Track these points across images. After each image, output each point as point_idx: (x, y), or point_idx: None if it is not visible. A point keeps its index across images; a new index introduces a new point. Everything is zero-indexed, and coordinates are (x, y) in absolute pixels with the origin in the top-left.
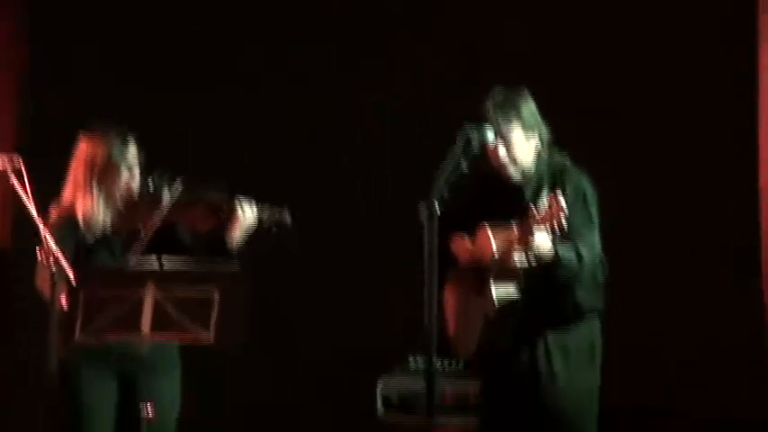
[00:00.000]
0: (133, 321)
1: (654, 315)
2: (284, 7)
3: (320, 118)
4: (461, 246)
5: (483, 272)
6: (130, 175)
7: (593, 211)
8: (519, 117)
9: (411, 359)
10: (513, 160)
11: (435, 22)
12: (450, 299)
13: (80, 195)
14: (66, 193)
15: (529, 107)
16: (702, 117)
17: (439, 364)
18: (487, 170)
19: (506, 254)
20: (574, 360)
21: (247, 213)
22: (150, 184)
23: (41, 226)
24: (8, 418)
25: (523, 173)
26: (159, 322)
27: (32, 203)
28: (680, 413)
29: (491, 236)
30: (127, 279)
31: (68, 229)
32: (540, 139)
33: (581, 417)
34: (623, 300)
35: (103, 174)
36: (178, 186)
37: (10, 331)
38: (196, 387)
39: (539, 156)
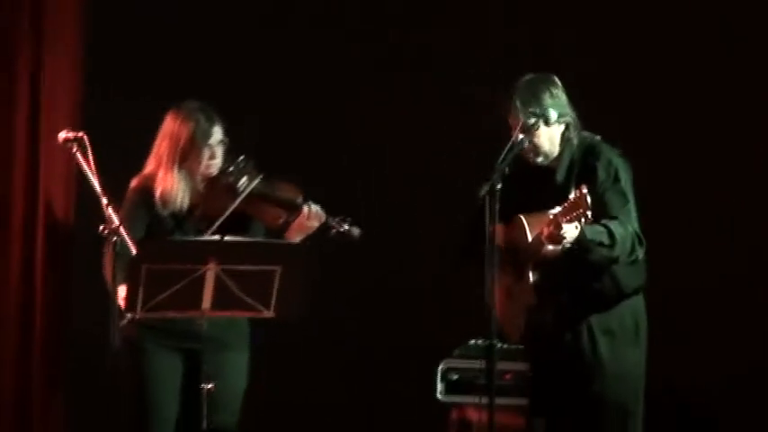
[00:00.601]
0: (194, 298)
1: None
2: None
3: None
4: (499, 232)
5: (521, 260)
6: (213, 156)
7: (627, 187)
8: (541, 106)
9: (472, 341)
10: (536, 148)
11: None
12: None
13: (161, 170)
14: (148, 167)
15: (553, 94)
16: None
17: (498, 345)
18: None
19: (540, 246)
20: (619, 341)
21: (313, 217)
22: (232, 169)
23: (105, 202)
24: (73, 395)
25: (548, 158)
26: (220, 299)
27: (97, 180)
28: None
29: (526, 226)
30: (189, 253)
31: (145, 200)
32: (567, 125)
33: (628, 397)
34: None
35: (186, 152)
36: (258, 177)
37: (71, 308)
38: (265, 364)
39: (567, 140)
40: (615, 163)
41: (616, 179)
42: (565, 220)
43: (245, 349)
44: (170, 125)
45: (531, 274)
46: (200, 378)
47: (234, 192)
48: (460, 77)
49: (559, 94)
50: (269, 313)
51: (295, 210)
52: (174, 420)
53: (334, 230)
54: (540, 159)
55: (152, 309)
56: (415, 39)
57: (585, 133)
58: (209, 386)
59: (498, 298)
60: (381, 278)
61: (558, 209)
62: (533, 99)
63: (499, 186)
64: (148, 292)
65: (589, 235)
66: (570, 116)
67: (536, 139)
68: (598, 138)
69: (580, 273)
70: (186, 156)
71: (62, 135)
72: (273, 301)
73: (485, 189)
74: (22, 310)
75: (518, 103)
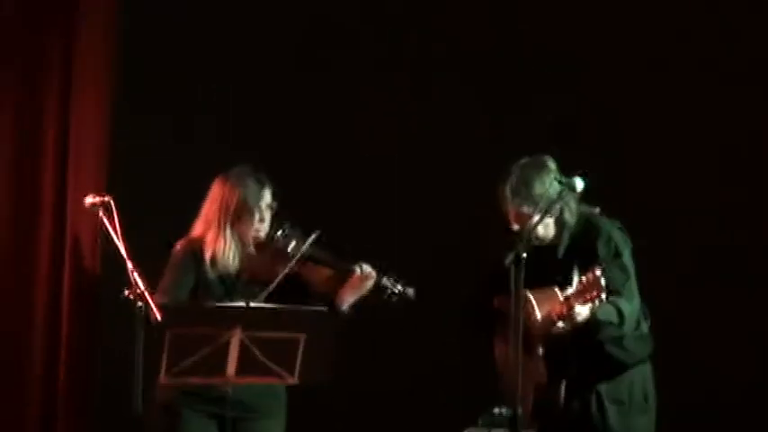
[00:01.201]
0: (219, 364)
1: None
2: None
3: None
4: (505, 303)
5: (529, 335)
6: (262, 219)
7: (628, 262)
8: (531, 199)
9: (496, 409)
10: (533, 236)
11: None
12: (500, 353)
13: (210, 233)
14: (196, 230)
15: (544, 180)
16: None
17: (522, 413)
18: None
19: (549, 325)
20: (628, 410)
21: (366, 278)
22: (280, 233)
23: (130, 267)
24: None
25: (544, 243)
26: (245, 365)
27: (122, 243)
28: None
29: (534, 303)
30: (214, 319)
31: (193, 261)
32: (561, 208)
33: None
34: None
35: (237, 217)
36: (309, 241)
37: (97, 369)
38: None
39: (563, 222)
40: (615, 238)
41: (617, 254)
42: (579, 301)
43: (281, 416)
44: (220, 189)
45: (540, 351)
46: None
47: (284, 256)
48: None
49: (550, 180)
50: (293, 380)
51: (347, 271)
52: None
53: (388, 291)
54: (536, 243)
55: (176, 375)
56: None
57: (584, 207)
58: None
59: (508, 374)
60: (403, 342)
61: (571, 290)
62: (524, 190)
63: (525, 255)
64: (172, 358)
65: (600, 316)
66: (565, 200)
67: (530, 228)
68: (597, 211)
69: (588, 346)
70: (237, 219)
71: (89, 200)
72: (298, 368)
73: (510, 258)
74: (47, 377)
75: (508, 194)
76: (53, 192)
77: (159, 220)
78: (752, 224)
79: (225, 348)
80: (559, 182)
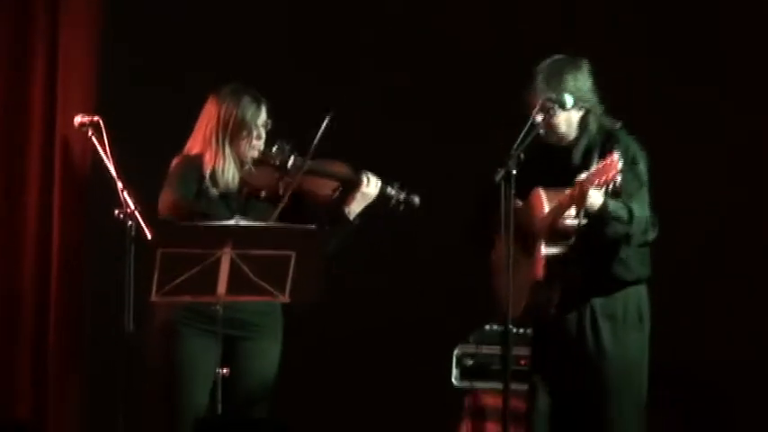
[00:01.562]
0: (209, 282)
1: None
2: None
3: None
4: (516, 208)
5: (534, 234)
6: (259, 136)
7: (643, 172)
8: (561, 86)
9: (487, 326)
10: (552, 129)
11: None
12: (497, 253)
13: (209, 151)
14: (193, 147)
15: (577, 77)
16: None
17: (514, 330)
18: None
19: (558, 214)
20: (621, 326)
21: (371, 186)
22: (276, 150)
23: (121, 186)
24: (89, 381)
25: (562, 142)
26: (235, 284)
27: (113, 165)
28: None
29: (544, 198)
30: (204, 238)
31: (193, 175)
32: (587, 111)
33: (630, 384)
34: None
35: (235, 134)
36: (306, 156)
37: (88, 288)
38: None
39: (586, 124)
40: (633, 149)
41: (633, 162)
42: (593, 184)
43: (278, 339)
44: (216, 107)
45: (543, 247)
46: (237, 361)
47: (284, 170)
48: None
49: (584, 78)
50: (284, 298)
51: (352, 181)
52: (205, 406)
53: (393, 200)
54: (553, 140)
55: (167, 293)
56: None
57: (606, 119)
58: (225, 371)
59: (501, 274)
60: (394, 262)
61: (585, 174)
62: (555, 80)
63: (514, 172)
64: (163, 277)
65: (611, 207)
66: (591, 102)
67: (553, 120)
68: (619, 124)
69: (591, 252)
70: (234, 136)
71: (78, 119)
72: (288, 286)
73: (500, 174)
74: (38, 289)
75: (540, 82)
76: (42, 111)
77: (149, 142)
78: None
79: (215, 266)
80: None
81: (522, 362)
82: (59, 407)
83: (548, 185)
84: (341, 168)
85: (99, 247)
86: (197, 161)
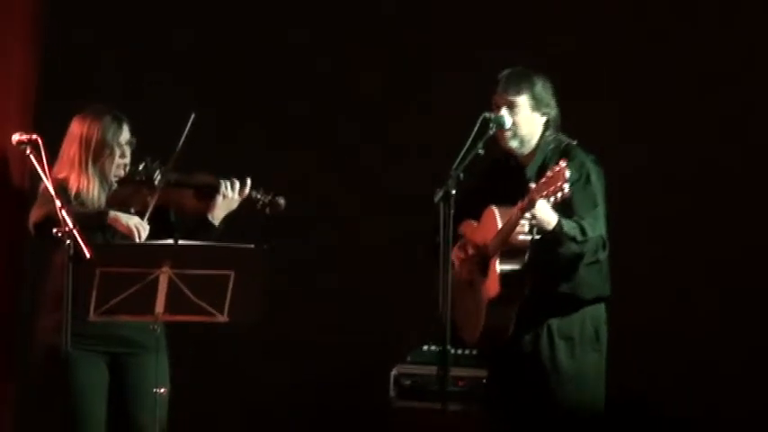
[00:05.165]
0: (147, 302)
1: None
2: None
3: (320, 107)
4: (468, 228)
5: (489, 251)
6: (123, 155)
7: (597, 192)
8: (530, 88)
9: (425, 347)
10: (516, 130)
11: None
12: (456, 281)
13: (74, 173)
14: (58, 171)
15: (543, 85)
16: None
17: (452, 350)
18: (495, 156)
19: (511, 229)
20: (578, 347)
21: (231, 191)
22: (141, 167)
23: (59, 205)
24: (21, 400)
25: (524, 146)
26: (174, 303)
27: (50, 183)
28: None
29: (497, 215)
30: (143, 257)
31: (64, 195)
32: (548, 120)
33: (586, 404)
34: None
35: (98, 154)
36: (169, 170)
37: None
38: (210, 369)
39: (544, 136)
40: (588, 166)
41: (587, 181)
42: (541, 194)
43: (163, 351)
44: (78, 128)
45: (497, 264)
46: (126, 382)
47: (150, 186)
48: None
49: (548, 90)
50: (223, 318)
51: (213, 186)
52: (104, 422)
53: (259, 203)
54: (514, 144)
55: (105, 313)
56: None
57: (563, 136)
58: (162, 390)
59: (460, 298)
60: (334, 281)
61: (533, 184)
62: (522, 79)
63: (454, 192)
64: (101, 296)
65: (566, 228)
66: (552, 114)
67: (516, 117)
68: (575, 142)
69: (547, 271)
70: (98, 156)
71: (16, 137)
72: (227, 306)
73: (439, 195)
74: None
75: (506, 79)
76: None
77: None
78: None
79: (153, 286)
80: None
81: (461, 383)
82: None
83: (503, 204)
84: (202, 177)
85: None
86: (64, 183)
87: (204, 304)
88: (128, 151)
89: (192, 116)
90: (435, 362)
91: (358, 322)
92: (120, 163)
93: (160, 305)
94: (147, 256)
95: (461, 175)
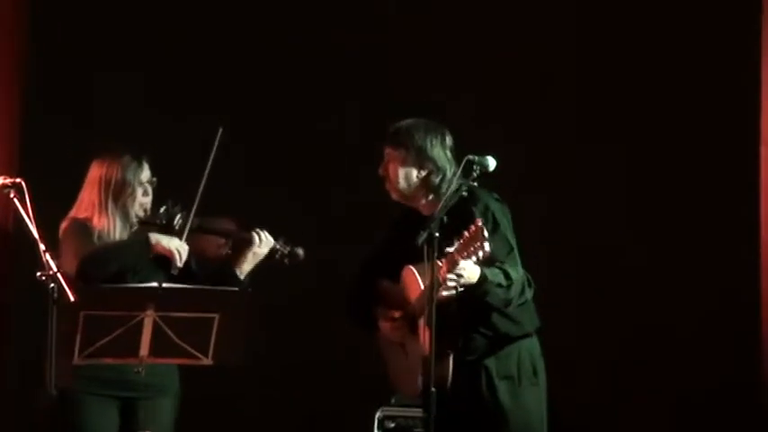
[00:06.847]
0: (132, 345)
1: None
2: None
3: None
4: (388, 292)
5: (415, 311)
6: (145, 193)
7: (507, 232)
8: (410, 142)
9: None
10: (390, 181)
11: None
12: (385, 342)
13: (96, 214)
14: (79, 212)
15: (429, 140)
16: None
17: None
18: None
19: (435, 289)
20: (518, 385)
21: (264, 244)
22: (162, 210)
23: (43, 248)
24: None
25: (408, 199)
26: (158, 346)
27: (34, 226)
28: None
29: (416, 274)
30: (127, 300)
31: (87, 236)
32: (429, 172)
33: None
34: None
35: (118, 193)
36: (192, 215)
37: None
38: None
39: (432, 187)
40: (492, 208)
41: (495, 225)
42: (462, 255)
43: (174, 395)
44: (97, 171)
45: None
46: (135, 427)
47: (170, 230)
48: None
49: (437, 144)
50: (207, 361)
51: (243, 239)
52: None
53: (278, 253)
54: (395, 196)
55: (89, 355)
56: None
57: (462, 180)
58: None
59: (393, 357)
60: (317, 323)
61: (452, 247)
62: (404, 133)
63: (437, 235)
64: (86, 339)
65: (489, 276)
66: (436, 167)
67: (393, 169)
68: (474, 184)
69: (475, 315)
70: (118, 195)
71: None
72: (212, 349)
73: (423, 237)
74: None
75: (391, 131)
76: None
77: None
78: None
79: (138, 329)
80: (452, 152)
81: None
82: None
83: (413, 258)
84: (230, 226)
85: (24, 310)
86: (86, 223)
87: (188, 347)
88: (150, 189)
89: (220, 130)
90: (419, 404)
91: (341, 364)
92: (142, 201)
93: (144, 348)
94: (132, 299)
95: (445, 218)
